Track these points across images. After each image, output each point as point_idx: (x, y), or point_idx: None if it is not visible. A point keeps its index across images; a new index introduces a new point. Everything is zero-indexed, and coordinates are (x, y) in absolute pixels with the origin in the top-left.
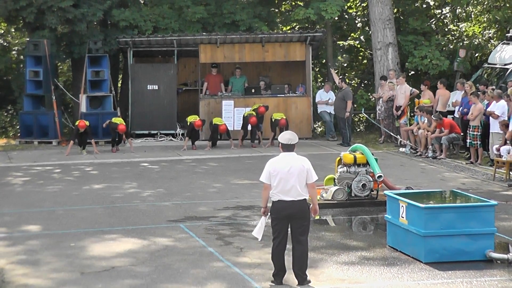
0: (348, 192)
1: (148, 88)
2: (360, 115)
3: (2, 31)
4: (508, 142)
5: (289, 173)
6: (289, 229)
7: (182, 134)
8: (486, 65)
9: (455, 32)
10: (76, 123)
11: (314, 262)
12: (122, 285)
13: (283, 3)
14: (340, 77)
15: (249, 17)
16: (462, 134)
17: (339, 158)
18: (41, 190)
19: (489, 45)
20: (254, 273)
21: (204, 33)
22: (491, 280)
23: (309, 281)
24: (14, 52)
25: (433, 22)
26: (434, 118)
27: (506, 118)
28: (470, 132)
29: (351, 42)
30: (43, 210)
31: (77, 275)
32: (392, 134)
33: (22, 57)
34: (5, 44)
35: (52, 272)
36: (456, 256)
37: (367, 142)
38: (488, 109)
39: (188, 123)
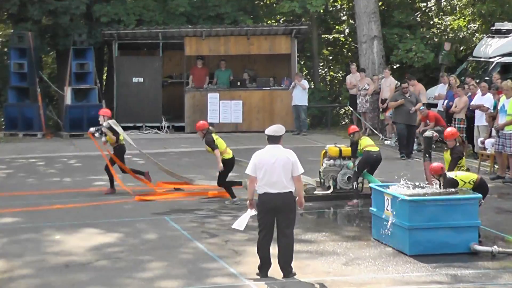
0: (334, 185)
1: (133, 81)
2: (345, 108)
3: None
4: (494, 134)
5: (274, 166)
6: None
7: (168, 127)
8: (471, 58)
9: (440, 26)
10: None
11: (299, 255)
12: (107, 277)
13: None
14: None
15: (233, 10)
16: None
17: (324, 151)
18: (24, 182)
19: (474, 38)
20: (239, 265)
21: (189, 26)
22: (475, 273)
23: (294, 274)
24: None
25: (418, 15)
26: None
27: (493, 111)
28: (456, 125)
29: (336, 35)
30: (28, 203)
31: (62, 268)
32: (371, 128)
33: (6, 49)
34: None
35: (36, 265)
36: (441, 248)
37: None
38: (474, 103)
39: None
